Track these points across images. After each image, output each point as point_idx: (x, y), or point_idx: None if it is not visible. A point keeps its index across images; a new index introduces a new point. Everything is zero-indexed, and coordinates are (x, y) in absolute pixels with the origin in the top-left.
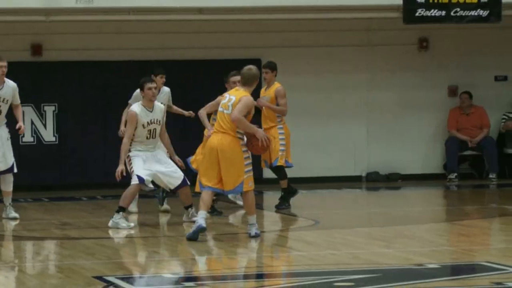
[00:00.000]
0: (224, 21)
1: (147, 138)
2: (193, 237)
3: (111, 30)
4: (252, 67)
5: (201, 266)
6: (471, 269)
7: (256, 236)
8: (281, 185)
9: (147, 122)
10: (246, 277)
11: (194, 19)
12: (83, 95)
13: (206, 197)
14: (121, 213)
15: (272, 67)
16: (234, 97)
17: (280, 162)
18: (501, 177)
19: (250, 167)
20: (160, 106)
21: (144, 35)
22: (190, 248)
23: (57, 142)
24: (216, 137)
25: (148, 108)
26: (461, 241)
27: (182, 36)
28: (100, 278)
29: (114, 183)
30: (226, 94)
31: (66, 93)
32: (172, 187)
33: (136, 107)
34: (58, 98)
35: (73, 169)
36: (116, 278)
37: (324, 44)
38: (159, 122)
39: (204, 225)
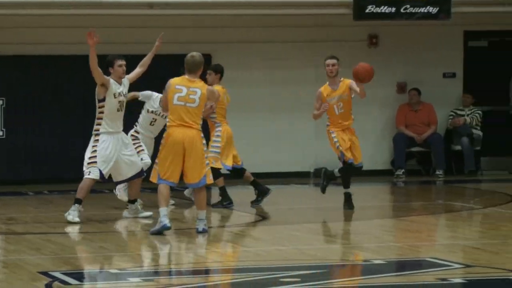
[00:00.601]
0: (174, 16)
1: (117, 110)
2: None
3: (60, 24)
4: (195, 54)
5: (148, 261)
6: (417, 265)
7: (203, 231)
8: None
9: (118, 93)
10: (192, 272)
11: (144, 14)
12: (31, 90)
13: (165, 191)
14: (76, 205)
15: (216, 69)
16: (199, 90)
17: (214, 165)
18: (448, 173)
19: (207, 161)
20: (126, 80)
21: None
22: (138, 243)
23: (4, 137)
24: (180, 131)
25: (118, 82)
26: (407, 237)
27: (132, 31)
28: (45, 273)
29: (61, 178)
30: (178, 86)
31: (14, 88)
32: (121, 179)
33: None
34: (6, 92)
35: (20, 164)
36: (62, 273)
37: (275, 39)
38: (125, 96)
39: (169, 224)
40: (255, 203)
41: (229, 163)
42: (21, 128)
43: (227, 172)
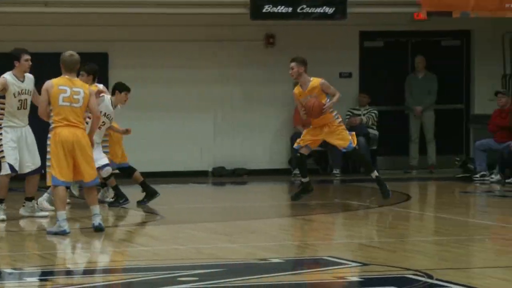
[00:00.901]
0: (70, 14)
1: (18, 108)
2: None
3: None
4: (74, 53)
5: (45, 261)
6: (315, 263)
7: (100, 226)
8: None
9: (18, 92)
10: (90, 272)
11: (39, 12)
12: None
13: (62, 193)
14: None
15: (89, 71)
16: (82, 90)
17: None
18: (344, 172)
19: None
20: (30, 77)
21: None
22: (34, 243)
23: None
24: (68, 131)
25: (19, 78)
26: (305, 236)
27: (27, 29)
28: None
29: None
30: (62, 87)
31: None
32: (21, 172)
33: (6, 75)
34: None
35: None
36: None
37: (172, 38)
38: (30, 92)
39: (68, 230)
40: (141, 203)
41: (117, 161)
42: None
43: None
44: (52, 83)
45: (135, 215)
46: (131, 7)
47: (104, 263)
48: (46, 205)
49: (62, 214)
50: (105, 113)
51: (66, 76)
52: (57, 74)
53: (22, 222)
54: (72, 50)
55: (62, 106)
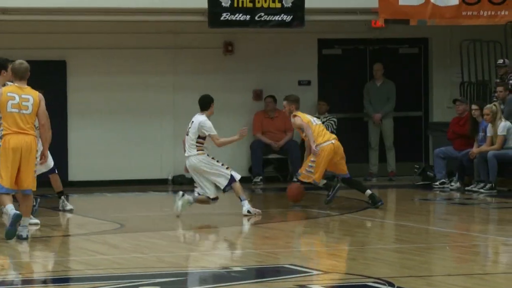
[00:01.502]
0: (27, 21)
1: None
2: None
3: None
4: (23, 61)
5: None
6: (276, 271)
7: (26, 238)
8: None
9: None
10: (50, 281)
11: None
12: None
13: (8, 200)
14: None
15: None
16: (31, 97)
17: None
18: None
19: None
20: None
21: None
22: None
23: None
24: (17, 138)
25: None
26: (266, 244)
27: None
28: None
29: None
30: (10, 94)
31: None
32: None
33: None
34: None
35: None
36: None
37: (131, 45)
38: None
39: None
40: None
41: None
42: None
43: None
44: (1, 91)
45: (94, 223)
46: (89, 14)
47: (64, 272)
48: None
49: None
50: None
51: (16, 84)
52: None
53: None
54: (29, 57)
55: (10, 112)
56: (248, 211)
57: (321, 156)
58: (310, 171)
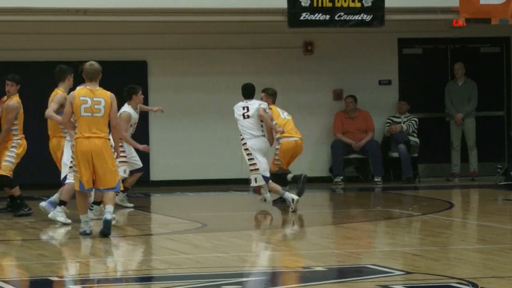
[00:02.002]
0: (108, 22)
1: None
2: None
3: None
4: (94, 63)
5: (86, 269)
6: (357, 271)
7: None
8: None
9: None
10: (133, 280)
11: (78, 20)
12: None
13: (83, 198)
14: (62, 206)
15: (15, 79)
16: (103, 99)
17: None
18: (385, 180)
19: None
20: None
21: (27, 35)
22: (76, 251)
23: None
24: (88, 141)
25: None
26: (347, 244)
27: (67, 38)
28: None
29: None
30: (83, 98)
31: None
32: None
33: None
34: None
35: None
36: (1, 281)
37: (211, 46)
38: None
39: (88, 231)
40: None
41: None
42: None
43: None
44: (74, 95)
45: (177, 222)
46: (170, 15)
47: (148, 271)
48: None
49: (83, 217)
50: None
51: (88, 87)
52: (102, 82)
53: (63, 230)
54: (111, 58)
55: (83, 116)
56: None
57: (281, 150)
58: (277, 159)
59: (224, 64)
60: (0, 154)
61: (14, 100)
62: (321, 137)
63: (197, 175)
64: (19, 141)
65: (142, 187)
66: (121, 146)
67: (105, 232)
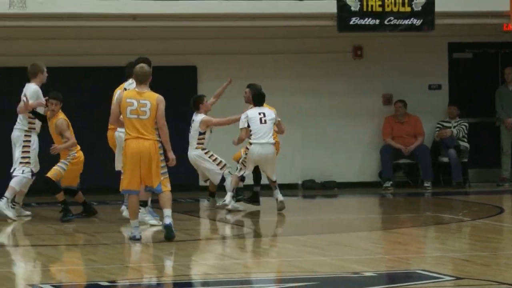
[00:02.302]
0: (158, 27)
1: None
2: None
3: (45, 36)
4: (144, 65)
5: (136, 274)
6: (407, 277)
7: (169, 225)
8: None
9: None
10: (183, 285)
11: (128, 26)
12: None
13: (133, 202)
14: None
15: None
16: (149, 101)
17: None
18: (435, 185)
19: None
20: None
21: (78, 41)
22: (126, 255)
23: None
24: (136, 142)
25: None
26: (397, 249)
27: (116, 43)
28: (35, 286)
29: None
30: (129, 100)
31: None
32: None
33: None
34: None
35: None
36: (52, 286)
37: (260, 51)
38: None
39: (138, 237)
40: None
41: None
42: None
43: None
44: (122, 96)
45: (225, 227)
46: (220, 20)
47: (195, 276)
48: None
49: (133, 222)
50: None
51: (136, 89)
52: (152, 87)
53: (113, 234)
54: (161, 63)
55: (129, 118)
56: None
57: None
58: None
59: (272, 69)
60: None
61: (61, 118)
62: (371, 142)
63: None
64: (75, 154)
65: (190, 193)
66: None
67: (169, 236)
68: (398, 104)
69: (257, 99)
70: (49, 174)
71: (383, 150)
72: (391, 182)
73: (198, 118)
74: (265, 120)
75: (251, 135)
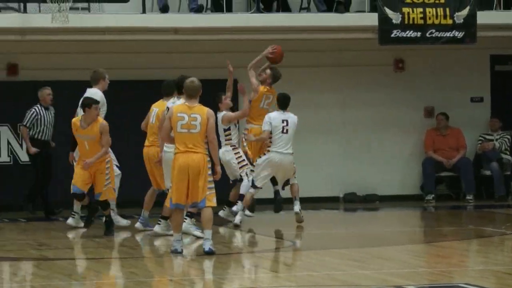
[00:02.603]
0: (199, 41)
1: None
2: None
3: (86, 49)
4: (194, 79)
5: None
6: None
7: (210, 252)
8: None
9: None
10: None
11: (169, 39)
12: (58, 114)
13: (176, 216)
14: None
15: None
16: (199, 116)
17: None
18: (478, 198)
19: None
20: None
21: (119, 54)
22: (168, 269)
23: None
24: (185, 156)
25: None
26: (439, 263)
27: (157, 56)
28: None
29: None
30: (180, 114)
31: None
32: None
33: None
34: None
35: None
36: None
37: (301, 64)
38: None
39: (179, 250)
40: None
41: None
42: None
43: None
44: (173, 111)
45: (266, 240)
46: (261, 33)
47: None
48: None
49: (176, 235)
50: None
51: (187, 103)
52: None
53: (154, 248)
54: (202, 77)
55: (180, 133)
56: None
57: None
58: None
59: (314, 82)
60: (96, 177)
61: (104, 121)
62: (412, 155)
63: (286, 193)
64: (108, 159)
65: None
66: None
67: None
68: (440, 116)
69: (282, 103)
70: (104, 198)
71: (425, 163)
72: (433, 195)
73: (219, 115)
74: (287, 130)
75: (270, 141)
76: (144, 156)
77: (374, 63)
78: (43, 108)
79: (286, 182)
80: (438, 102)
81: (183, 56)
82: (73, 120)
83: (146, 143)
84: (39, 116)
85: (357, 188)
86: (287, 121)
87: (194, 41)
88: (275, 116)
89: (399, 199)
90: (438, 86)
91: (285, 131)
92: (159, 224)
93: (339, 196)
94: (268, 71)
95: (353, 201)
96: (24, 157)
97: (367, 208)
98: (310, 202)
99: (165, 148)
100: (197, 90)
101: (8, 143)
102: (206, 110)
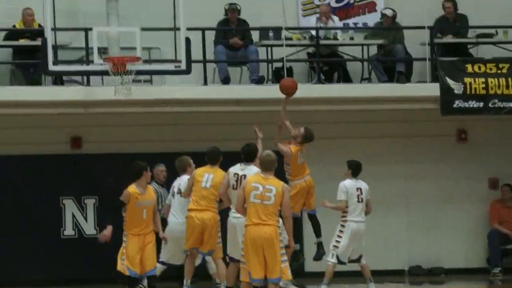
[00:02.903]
0: (260, 112)
1: None
2: None
3: (149, 122)
4: (271, 153)
5: None
6: None
7: None
8: None
9: None
10: None
11: (231, 111)
12: (123, 187)
13: None
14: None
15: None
16: (274, 188)
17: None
18: None
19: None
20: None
21: (181, 126)
22: None
23: (98, 235)
24: (258, 229)
25: None
26: None
27: (219, 128)
28: None
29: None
30: (254, 184)
31: (106, 185)
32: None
33: None
34: (98, 190)
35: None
36: None
37: (362, 135)
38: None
39: None
40: None
41: None
42: (113, 227)
43: None
44: (247, 181)
45: None
46: (321, 104)
47: None
48: None
49: None
50: None
51: (262, 174)
52: None
53: None
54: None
55: (253, 203)
56: None
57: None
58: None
59: (377, 153)
60: (145, 249)
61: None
62: (477, 227)
63: (352, 267)
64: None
65: (295, 279)
66: None
67: None
68: (505, 188)
69: (355, 170)
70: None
71: (491, 235)
72: (499, 268)
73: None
74: (361, 199)
75: (346, 211)
76: (204, 220)
77: (436, 133)
78: (160, 186)
79: (358, 260)
80: (502, 173)
81: (244, 127)
82: None
83: (197, 206)
84: (158, 195)
85: (422, 261)
86: (360, 189)
87: (255, 112)
88: (350, 186)
89: (465, 272)
90: (502, 156)
91: (360, 199)
92: None
93: (404, 269)
94: (302, 129)
95: (418, 274)
96: (89, 230)
97: (432, 281)
98: (374, 275)
99: (232, 214)
100: (273, 164)
101: (73, 216)
102: (282, 184)
